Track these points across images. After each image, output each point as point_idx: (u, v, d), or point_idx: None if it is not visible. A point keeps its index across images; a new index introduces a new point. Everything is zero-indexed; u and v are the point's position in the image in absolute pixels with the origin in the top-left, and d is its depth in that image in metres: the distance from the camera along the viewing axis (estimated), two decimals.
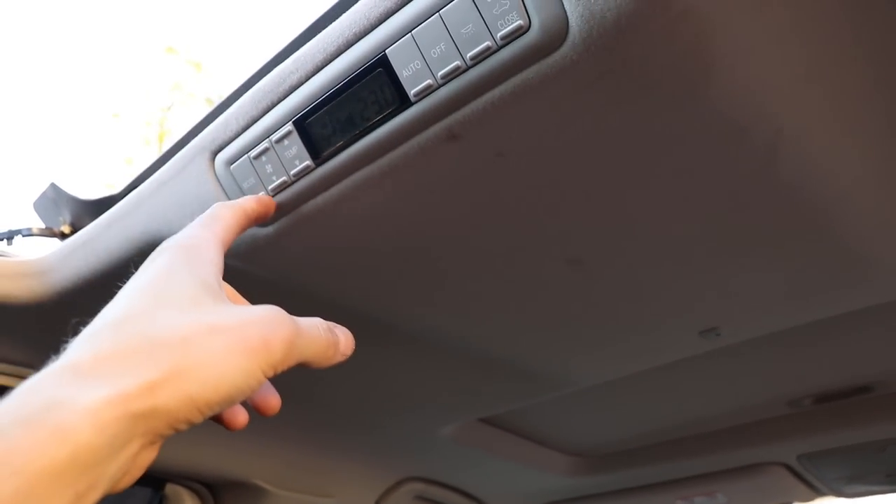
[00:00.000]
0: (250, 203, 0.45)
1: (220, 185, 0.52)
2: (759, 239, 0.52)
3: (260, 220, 0.47)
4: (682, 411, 1.00)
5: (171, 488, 1.00)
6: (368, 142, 0.43)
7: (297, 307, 0.50)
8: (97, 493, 0.28)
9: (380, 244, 0.52)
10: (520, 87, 0.38)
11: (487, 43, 0.37)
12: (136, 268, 0.38)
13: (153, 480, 0.99)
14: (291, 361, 0.35)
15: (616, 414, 1.01)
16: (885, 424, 0.91)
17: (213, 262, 0.38)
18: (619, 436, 1.11)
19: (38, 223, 0.81)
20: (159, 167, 0.60)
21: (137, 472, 0.31)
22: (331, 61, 0.44)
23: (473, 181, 0.45)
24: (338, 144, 0.45)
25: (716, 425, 1.04)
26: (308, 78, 0.45)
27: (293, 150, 0.47)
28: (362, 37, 0.42)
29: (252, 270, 0.57)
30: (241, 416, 0.38)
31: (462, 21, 0.37)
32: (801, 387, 0.91)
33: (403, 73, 0.40)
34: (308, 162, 0.46)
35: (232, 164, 0.50)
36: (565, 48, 0.36)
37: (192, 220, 0.50)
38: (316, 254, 0.54)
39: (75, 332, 0.33)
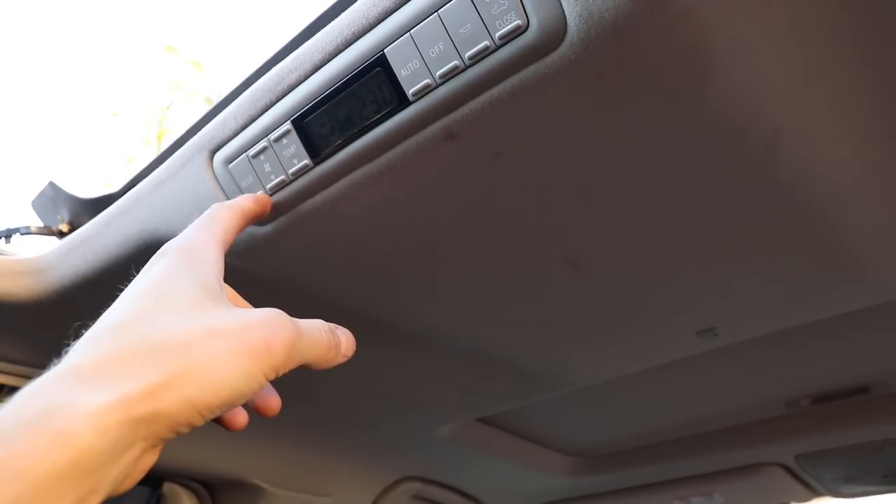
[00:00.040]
0: (248, 203, 0.45)
1: (219, 183, 0.52)
2: (756, 239, 0.52)
3: (257, 219, 0.47)
4: (680, 411, 1.00)
5: (168, 487, 1.00)
6: (367, 141, 0.43)
7: (295, 306, 0.50)
8: (98, 497, 0.28)
9: (378, 243, 0.52)
10: (518, 86, 0.38)
11: (486, 42, 0.37)
12: (137, 269, 0.38)
13: (151, 479, 0.99)
14: (293, 364, 0.35)
15: (614, 414, 1.02)
16: (882, 425, 0.91)
17: (214, 264, 0.38)
18: (616, 436, 1.11)
19: (36, 221, 0.81)
20: (158, 166, 0.60)
21: (138, 476, 0.31)
22: (329, 60, 0.44)
23: (471, 181, 0.45)
24: (336, 143, 0.45)
25: (713, 425, 1.04)
26: (307, 77, 0.45)
27: (291, 149, 0.47)
28: (361, 36, 0.42)
29: (250, 269, 0.57)
30: (241, 417, 0.38)
31: (460, 21, 0.37)
32: (799, 387, 0.91)
33: (402, 73, 0.40)
34: (306, 161, 0.46)
35: (230, 162, 0.50)
36: (563, 48, 0.36)
37: (190, 218, 0.50)
38: (314, 253, 0.54)
39: (76, 335, 0.33)
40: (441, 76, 0.39)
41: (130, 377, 0.29)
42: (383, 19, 0.41)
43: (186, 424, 0.30)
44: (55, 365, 0.30)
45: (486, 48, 0.37)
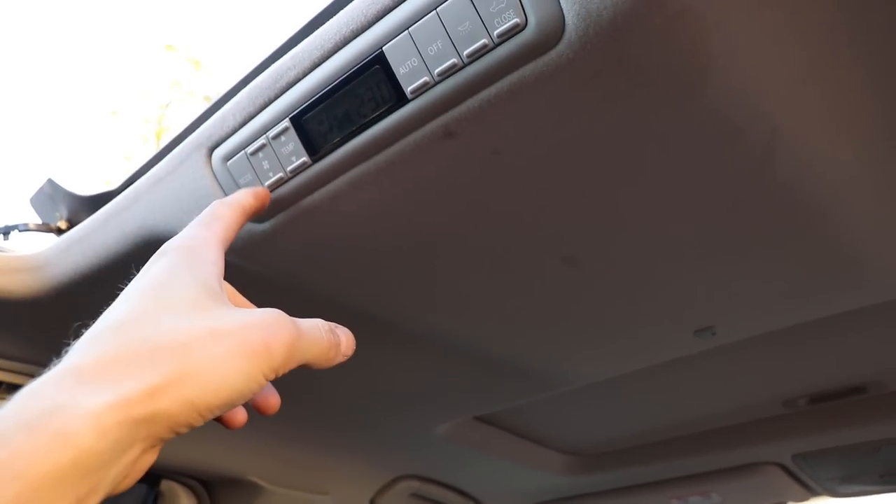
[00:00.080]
0: (248, 198, 0.45)
1: (217, 181, 0.52)
2: (754, 239, 0.52)
3: (257, 214, 0.47)
4: (678, 411, 1.00)
5: (166, 485, 1.00)
6: (365, 138, 0.43)
7: (293, 303, 0.50)
8: (97, 497, 0.28)
9: (376, 241, 0.53)
10: (516, 84, 0.38)
11: (484, 41, 0.37)
12: (136, 266, 0.38)
13: (149, 477, 0.99)
14: (293, 364, 0.35)
15: (611, 413, 1.02)
16: (879, 425, 0.91)
17: (215, 263, 0.38)
18: (614, 435, 1.11)
19: (34, 218, 0.81)
20: (156, 163, 0.60)
21: (137, 475, 0.31)
22: (328, 58, 0.44)
23: (469, 179, 0.45)
24: (334, 141, 0.45)
25: (711, 425, 1.04)
26: (305, 74, 0.45)
27: (290, 147, 0.47)
28: (359, 34, 0.42)
29: (248, 266, 0.57)
30: (240, 416, 0.38)
31: (459, 18, 0.37)
32: (797, 387, 0.91)
33: (400, 71, 0.40)
34: (305, 158, 0.46)
35: (229, 160, 0.50)
36: (561, 46, 0.36)
37: (188, 215, 0.50)
38: (312, 250, 0.54)
39: (76, 335, 0.33)
40: (439, 74, 0.39)
41: (130, 378, 0.29)
42: (382, 17, 0.41)
43: (186, 425, 0.30)
44: (55, 364, 0.30)
45: (485, 46, 0.37)
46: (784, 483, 1.09)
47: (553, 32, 0.35)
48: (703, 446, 1.06)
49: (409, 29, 0.39)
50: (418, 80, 0.40)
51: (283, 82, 0.47)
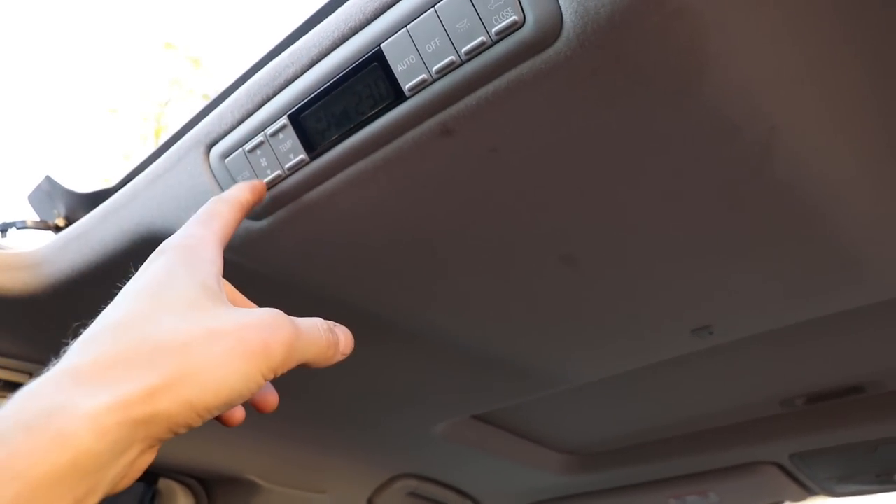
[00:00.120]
0: (245, 194, 0.45)
1: (215, 178, 0.52)
2: (752, 238, 0.52)
3: (254, 207, 0.47)
4: (675, 410, 1.00)
5: (163, 483, 1.00)
6: (363, 136, 0.43)
7: (291, 301, 0.50)
8: (96, 498, 0.28)
9: (374, 239, 0.53)
10: (514, 82, 0.38)
11: (482, 38, 0.37)
12: (135, 264, 0.38)
13: (147, 475, 0.99)
14: (291, 364, 0.35)
15: (609, 412, 1.02)
16: (876, 425, 0.92)
17: (213, 262, 0.38)
18: (611, 434, 1.11)
19: (32, 216, 0.81)
20: (154, 160, 0.59)
21: (135, 475, 0.31)
22: (326, 55, 0.44)
23: (467, 176, 0.45)
24: (332, 138, 0.45)
25: (708, 424, 1.04)
26: (303, 72, 0.45)
27: (288, 144, 0.47)
28: (358, 31, 0.42)
29: (246, 264, 0.57)
30: (237, 413, 0.38)
31: (457, 16, 0.37)
32: (794, 386, 0.91)
33: (398, 68, 0.40)
34: (302, 156, 0.46)
35: (227, 157, 0.50)
36: (559, 44, 0.36)
37: (186, 213, 0.50)
38: (310, 248, 0.54)
39: (75, 335, 0.33)
40: (437, 71, 0.39)
41: (129, 379, 0.29)
42: (380, 14, 0.41)
43: (184, 425, 0.30)
44: (54, 364, 0.30)
45: (483, 44, 0.37)
46: (781, 482, 1.09)
47: (551, 30, 0.35)
48: (700, 446, 1.06)
49: (408, 26, 0.39)
50: (416, 77, 0.40)
51: (281, 79, 0.47)
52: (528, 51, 0.36)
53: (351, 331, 0.42)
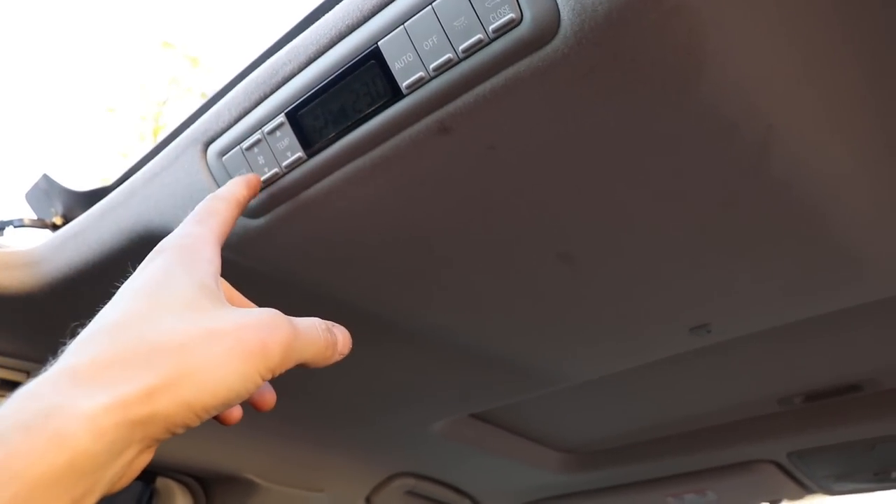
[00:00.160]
0: (241, 190, 0.45)
1: (212, 176, 0.52)
2: (750, 236, 0.52)
3: (250, 201, 0.47)
4: (673, 408, 1.00)
5: (161, 482, 1.00)
6: (360, 134, 0.43)
7: (288, 299, 0.50)
8: (93, 498, 0.28)
9: (371, 236, 0.52)
10: (511, 80, 0.38)
11: (479, 36, 0.37)
12: (132, 262, 0.38)
13: (144, 474, 0.99)
14: (289, 364, 0.35)
15: (607, 411, 1.02)
16: (874, 423, 0.92)
17: (211, 262, 0.38)
18: (610, 433, 1.11)
19: (30, 214, 0.81)
20: (152, 158, 0.59)
21: (133, 475, 0.31)
22: (323, 53, 0.44)
23: (465, 174, 0.45)
24: (330, 136, 0.45)
25: (706, 423, 1.04)
26: (301, 69, 0.45)
27: (285, 142, 0.46)
28: (355, 29, 0.42)
29: (243, 262, 0.56)
30: (235, 412, 0.38)
31: (454, 14, 0.37)
32: (792, 385, 0.91)
33: (396, 66, 0.40)
34: (300, 153, 0.46)
35: (224, 155, 0.50)
36: (557, 42, 0.36)
37: (184, 210, 0.50)
38: (307, 245, 0.54)
39: (73, 335, 0.33)
40: (435, 69, 0.39)
41: (127, 379, 0.29)
42: (377, 12, 0.41)
43: (182, 426, 0.30)
44: (51, 364, 0.30)
45: (480, 41, 0.37)
46: (779, 481, 1.09)
47: (548, 28, 0.35)
48: (698, 444, 1.06)
49: (405, 24, 0.39)
50: (413, 75, 0.40)
51: (278, 77, 0.46)
52: (526, 48, 0.36)
53: (348, 328, 0.42)
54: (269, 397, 0.40)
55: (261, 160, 0.48)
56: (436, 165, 0.45)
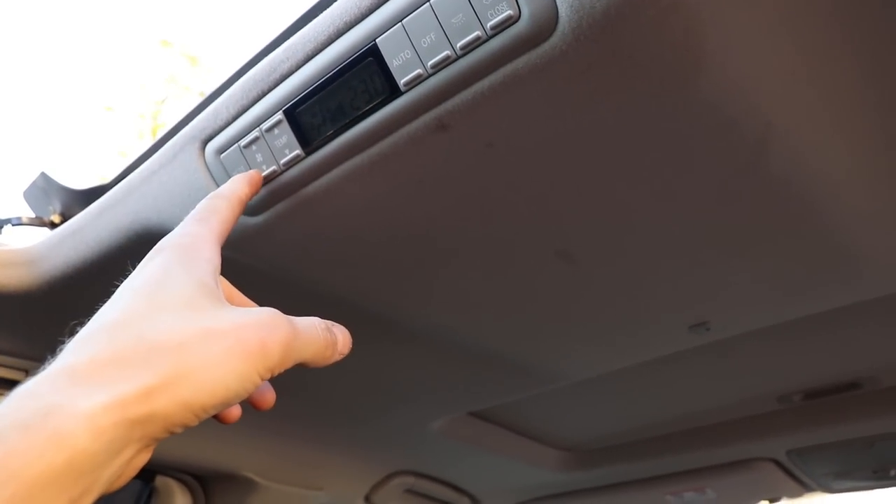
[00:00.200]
0: (242, 188, 0.45)
1: (210, 174, 0.52)
2: (749, 234, 0.52)
3: (251, 199, 0.47)
4: (672, 407, 1.00)
5: (160, 480, 1.00)
6: (358, 131, 0.43)
7: (287, 297, 0.50)
8: (92, 497, 0.28)
9: (369, 234, 0.52)
10: (509, 77, 0.38)
11: (477, 33, 0.37)
12: (131, 261, 0.38)
13: (143, 473, 0.99)
14: (289, 363, 0.35)
15: (606, 409, 1.02)
16: (873, 421, 0.92)
17: (210, 261, 0.38)
18: (608, 431, 1.11)
19: (27, 212, 0.81)
20: (150, 156, 0.59)
21: (131, 474, 0.31)
22: (321, 50, 0.44)
23: (463, 171, 0.45)
24: (328, 134, 0.45)
25: (705, 421, 1.04)
26: (298, 67, 0.45)
27: (283, 140, 0.46)
28: (353, 26, 0.42)
29: (242, 260, 0.56)
30: (234, 411, 0.38)
31: (452, 11, 0.37)
32: (791, 383, 0.92)
33: (393, 63, 0.40)
34: (298, 151, 0.46)
35: (222, 153, 0.50)
36: (555, 38, 0.36)
37: (182, 209, 0.50)
38: (306, 243, 0.54)
39: (72, 333, 0.32)
40: (433, 66, 0.39)
41: (125, 378, 0.29)
42: (375, 9, 0.41)
43: (181, 425, 0.30)
44: (50, 363, 0.30)
45: (478, 38, 0.37)
46: (778, 479, 1.09)
47: (546, 24, 0.35)
48: (697, 442, 1.06)
49: (403, 21, 0.39)
50: (411, 72, 0.40)
51: (276, 75, 0.46)
52: (524, 45, 0.36)
53: (347, 327, 0.42)
54: (269, 396, 0.40)
55: (259, 158, 0.48)
56: (434, 163, 0.45)
